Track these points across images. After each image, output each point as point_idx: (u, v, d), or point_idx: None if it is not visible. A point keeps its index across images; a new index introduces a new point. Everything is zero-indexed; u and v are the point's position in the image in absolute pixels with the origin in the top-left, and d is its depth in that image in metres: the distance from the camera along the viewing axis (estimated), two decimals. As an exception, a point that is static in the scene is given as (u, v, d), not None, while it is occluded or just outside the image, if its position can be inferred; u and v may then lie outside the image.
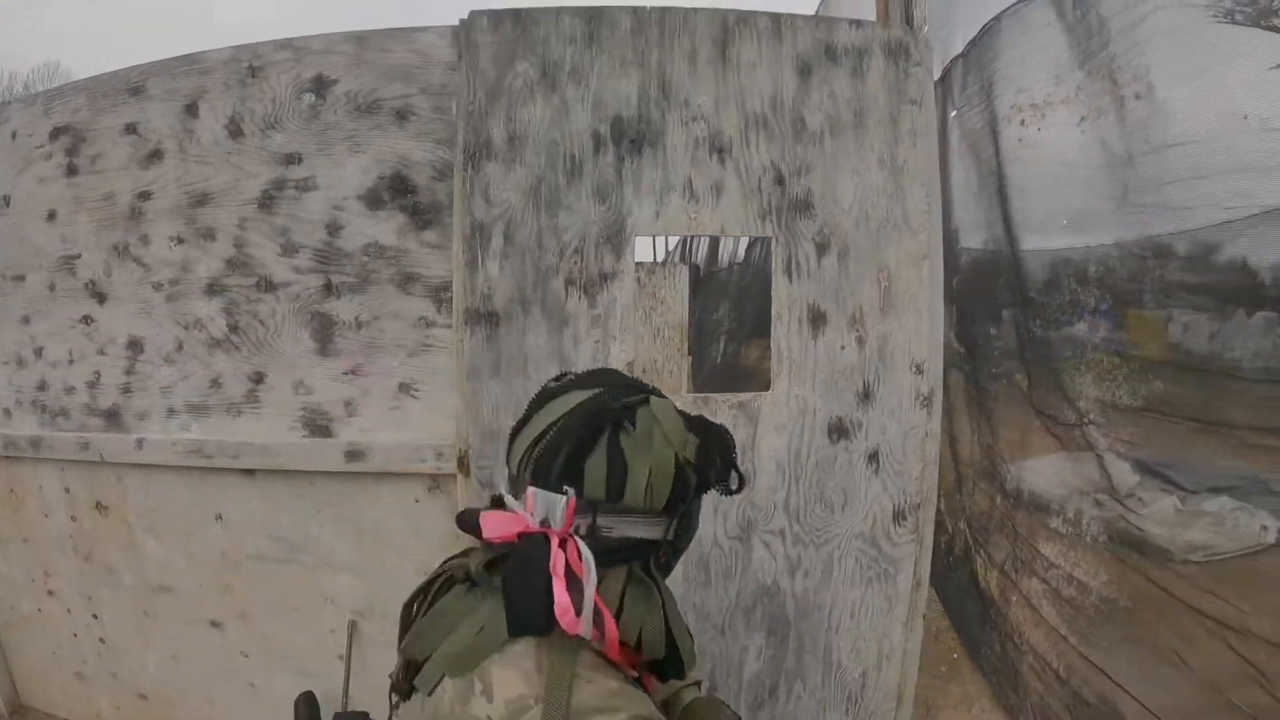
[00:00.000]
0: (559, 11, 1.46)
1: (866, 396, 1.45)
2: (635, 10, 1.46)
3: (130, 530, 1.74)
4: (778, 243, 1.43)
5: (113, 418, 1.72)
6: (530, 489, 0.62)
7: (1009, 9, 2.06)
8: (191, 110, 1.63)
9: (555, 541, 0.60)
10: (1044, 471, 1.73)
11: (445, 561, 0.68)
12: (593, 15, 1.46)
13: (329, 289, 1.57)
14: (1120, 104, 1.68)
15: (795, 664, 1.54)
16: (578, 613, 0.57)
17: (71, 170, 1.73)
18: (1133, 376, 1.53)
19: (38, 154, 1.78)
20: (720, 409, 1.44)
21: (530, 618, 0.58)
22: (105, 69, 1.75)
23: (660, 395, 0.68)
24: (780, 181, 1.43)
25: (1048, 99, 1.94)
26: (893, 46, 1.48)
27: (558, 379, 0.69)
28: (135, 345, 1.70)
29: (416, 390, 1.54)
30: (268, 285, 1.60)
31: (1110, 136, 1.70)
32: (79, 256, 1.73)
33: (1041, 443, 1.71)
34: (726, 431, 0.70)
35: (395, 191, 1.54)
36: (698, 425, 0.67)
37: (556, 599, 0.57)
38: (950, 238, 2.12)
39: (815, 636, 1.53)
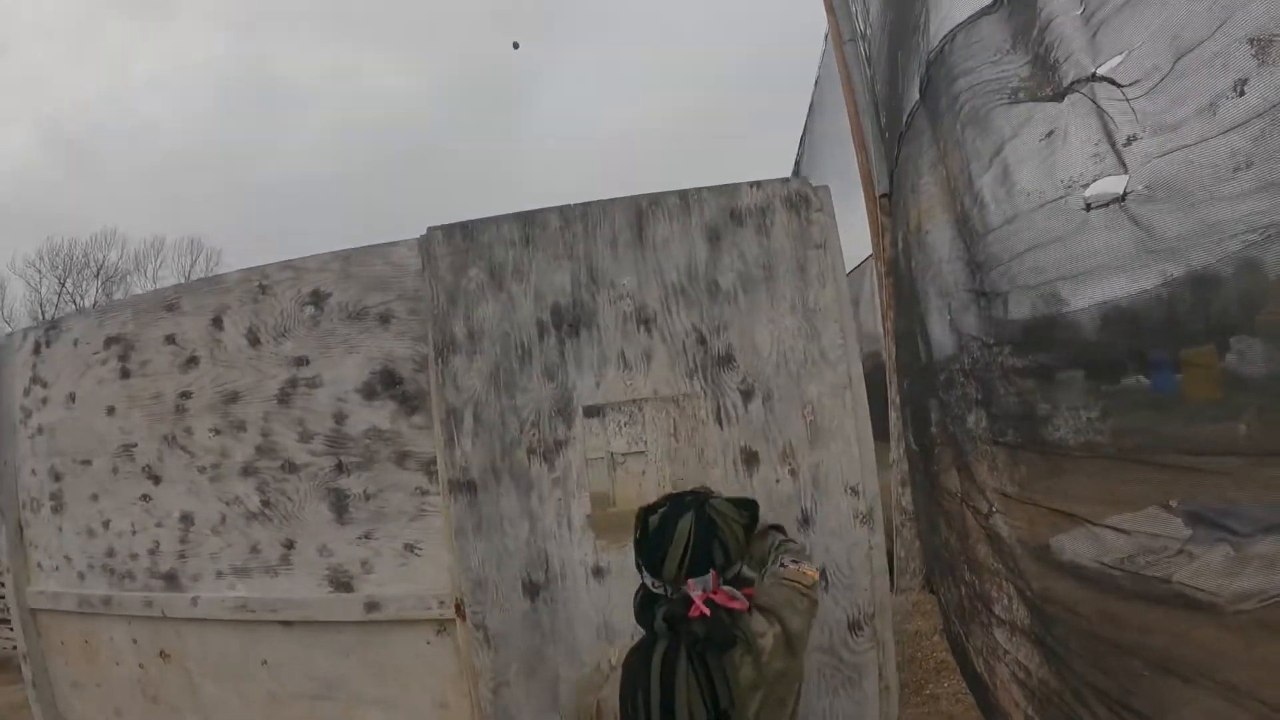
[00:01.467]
0: (499, 220, 1.73)
1: (806, 522, 1.59)
2: (562, 210, 1.71)
3: (189, 675, 2.04)
4: (705, 396, 1.61)
5: (171, 580, 2.05)
6: (689, 580, 1.03)
7: (910, 114, 2.21)
8: (218, 323, 1.98)
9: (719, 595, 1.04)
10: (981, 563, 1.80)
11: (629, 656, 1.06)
12: (527, 219, 1.71)
13: (340, 468, 1.85)
14: (958, 196, 1.79)
15: (780, 770, 1.66)
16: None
17: (125, 374, 2.11)
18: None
19: (95, 359, 2.17)
20: (674, 548, 1.61)
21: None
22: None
23: (707, 495, 1.13)
24: (702, 341, 1.63)
25: (930, 202, 2.06)
26: (793, 199, 1.67)
27: (651, 509, 1.10)
28: (187, 519, 2.03)
29: (419, 549, 1.79)
30: (291, 467, 1.90)
31: (961, 231, 1.79)
32: (136, 445, 2.09)
33: (976, 533, 1.79)
34: (751, 499, 1.19)
35: (386, 383, 1.82)
36: (737, 500, 1.15)
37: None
38: (910, 340, 2.23)
39: (794, 743, 1.65)
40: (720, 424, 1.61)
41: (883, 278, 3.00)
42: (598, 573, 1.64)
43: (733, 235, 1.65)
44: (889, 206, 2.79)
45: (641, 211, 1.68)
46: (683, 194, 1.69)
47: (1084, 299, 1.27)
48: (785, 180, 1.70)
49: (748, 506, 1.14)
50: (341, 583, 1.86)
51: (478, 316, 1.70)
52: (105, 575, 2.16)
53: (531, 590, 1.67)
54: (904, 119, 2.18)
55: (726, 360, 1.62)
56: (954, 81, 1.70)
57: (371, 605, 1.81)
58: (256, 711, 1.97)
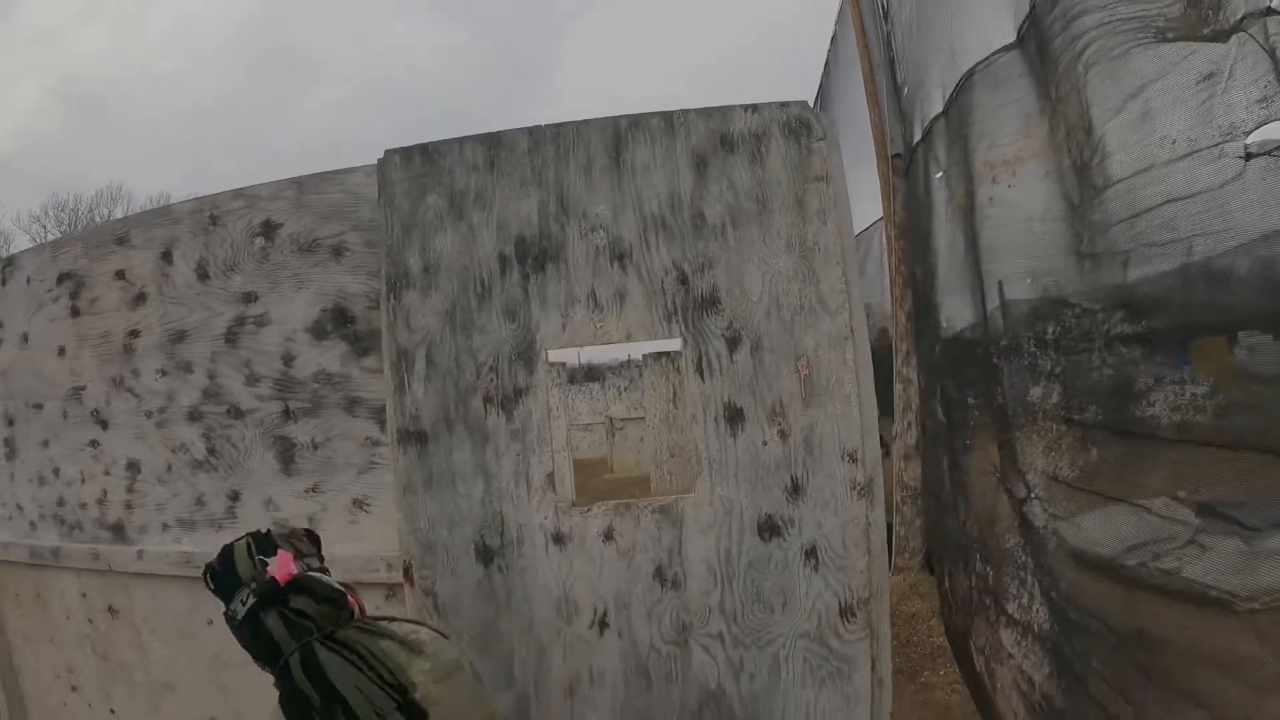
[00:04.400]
0: (462, 141, 1.54)
1: (796, 491, 1.40)
2: (531, 131, 1.51)
3: (138, 633, 1.92)
4: (686, 343, 1.42)
5: (118, 531, 1.92)
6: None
7: (982, 62, 1.97)
8: (167, 257, 1.84)
9: None
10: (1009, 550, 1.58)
11: None
12: (493, 141, 1.52)
13: (287, 414, 1.70)
14: (1070, 149, 1.57)
15: (755, 769, 1.48)
16: None
17: (75, 312, 1.98)
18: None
19: (48, 297, 2.04)
20: (642, 514, 1.43)
21: None
22: (163, 190, 1.98)
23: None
24: (684, 281, 1.43)
25: (1019, 153, 1.82)
26: (793, 125, 1.45)
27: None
28: (134, 467, 1.90)
29: (369, 505, 1.63)
30: (237, 412, 1.75)
31: (1069, 186, 1.58)
32: (85, 388, 1.97)
33: (1006, 521, 1.57)
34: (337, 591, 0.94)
35: (337, 322, 1.65)
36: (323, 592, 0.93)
37: None
38: (933, 308, 2.01)
39: (772, 740, 1.46)
40: (701, 375, 1.41)
41: (893, 241, 2.77)
42: (559, 539, 1.47)
43: (722, 163, 1.44)
44: (902, 168, 2.55)
45: (620, 134, 1.48)
46: (667, 115, 1.48)
47: (1229, 258, 1.06)
48: (784, 104, 1.48)
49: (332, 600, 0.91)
50: (287, 539, 1.71)
51: (435, 248, 1.52)
52: (56, 525, 2.05)
53: (485, 556, 1.50)
54: (964, 70, 1.92)
55: (710, 303, 1.42)
56: (1073, 21, 1.47)
57: (317, 565, 1.66)
58: (202, 674, 1.85)
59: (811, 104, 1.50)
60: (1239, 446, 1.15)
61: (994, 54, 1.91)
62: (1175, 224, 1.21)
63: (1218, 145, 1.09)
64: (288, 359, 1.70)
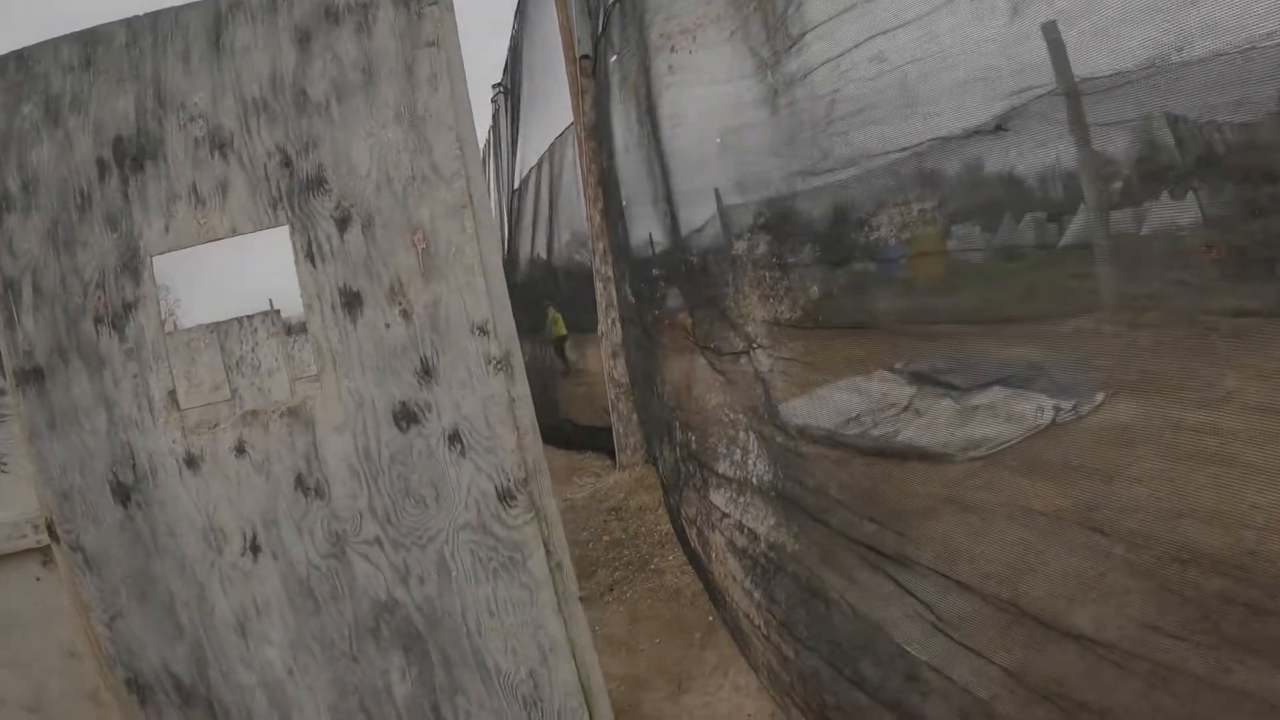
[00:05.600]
0: (57, 42, 1.40)
1: (428, 374, 1.30)
2: (130, 22, 1.38)
3: None
4: (294, 229, 1.31)
5: None
6: None
7: None
8: None
9: None
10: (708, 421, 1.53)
11: None
12: (89, 38, 1.39)
13: (-77, 375, 1.53)
14: (764, 4, 1.51)
15: (446, 677, 1.38)
16: None
17: None
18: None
19: None
20: (271, 419, 1.32)
21: None
22: None
23: None
24: (287, 164, 1.32)
25: (699, 20, 1.77)
26: (403, -9, 1.36)
27: None
28: None
29: (4, 463, 1.47)
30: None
31: (757, 43, 1.53)
32: None
33: (706, 382, 1.51)
34: None
35: (-45, 263, 1.49)
36: None
37: None
38: (613, 185, 1.95)
39: (457, 644, 1.37)
40: (312, 261, 1.31)
41: (583, 143, 2.73)
42: (191, 463, 1.34)
43: (326, 36, 1.34)
44: (589, 68, 2.49)
45: (220, 16, 1.36)
46: (270, -7, 1.37)
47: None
48: (399, -29, 1.38)
49: None
50: (-56, 514, 1.55)
51: (32, 163, 1.37)
52: None
53: (122, 494, 1.36)
54: None
55: (317, 183, 1.31)
56: None
57: (-29, 536, 1.50)
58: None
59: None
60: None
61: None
62: (886, 56, 1.15)
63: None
64: (-84, 314, 1.53)
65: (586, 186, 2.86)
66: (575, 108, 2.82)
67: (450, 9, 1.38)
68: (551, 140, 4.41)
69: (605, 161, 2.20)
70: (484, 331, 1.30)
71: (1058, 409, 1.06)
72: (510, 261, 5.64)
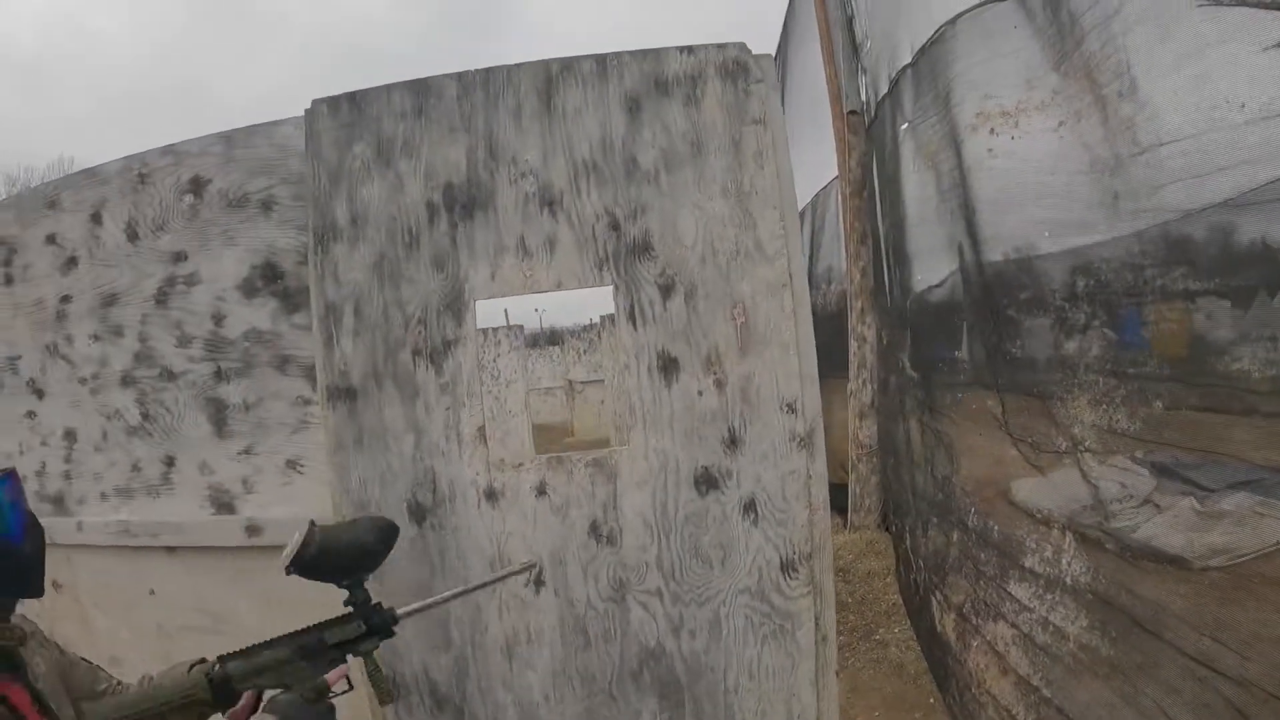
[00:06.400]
0: (389, 89, 1.48)
1: (734, 443, 1.35)
2: (460, 76, 1.45)
3: (81, 606, 1.88)
4: (617, 291, 1.37)
5: (58, 503, 1.87)
6: None
7: (965, 13, 1.90)
8: (97, 219, 1.77)
9: None
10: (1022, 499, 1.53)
11: None
12: (421, 87, 1.46)
13: (219, 375, 1.65)
14: (1102, 104, 1.50)
15: (697, 728, 1.45)
16: None
17: (8, 280, 1.92)
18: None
19: None
20: (575, 467, 1.38)
21: None
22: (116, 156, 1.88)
23: None
24: (615, 226, 1.37)
25: (1020, 105, 1.75)
26: (729, 67, 1.40)
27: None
28: (70, 435, 1.84)
29: (302, 466, 1.58)
30: (169, 375, 1.70)
31: (1093, 139, 1.51)
32: (20, 357, 1.91)
33: (1018, 471, 1.51)
34: None
35: (267, 278, 1.60)
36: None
37: None
38: (904, 261, 1.95)
39: (713, 698, 1.43)
40: (633, 324, 1.37)
41: (847, 199, 2.71)
42: (491, 496, 1.42)
43: (656, 106, 1.39)
44: (856, 125, 2.49)
45: (551, 78, 1.42)
46: (600, 58, 1.42)
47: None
48: (721, 46, 1.42)
49: None
50: (223, 503, 1.67)
51: (362, 198, 1.46)
52: (-3, 499, 2.00)
53: (418, 514, 1.45)
54: (939, 22, 1.84)
55: (644, 249, 1.37)
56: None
57: (253, 529, 1.62)
58: (146, 645, 1.80)
59: (773, 58, 1.45)
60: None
61: (982, 3, 1.83)
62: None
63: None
64: (218, 318, 1.64)
65: (849, 243, 2.83)
66: (841, 163, 2.80)
67: (776, 88, 1.42)
68: (816, 191, 4.32)
69: (878, 224, 2.21)
70: (792, 409, 1.34)
71: None
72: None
